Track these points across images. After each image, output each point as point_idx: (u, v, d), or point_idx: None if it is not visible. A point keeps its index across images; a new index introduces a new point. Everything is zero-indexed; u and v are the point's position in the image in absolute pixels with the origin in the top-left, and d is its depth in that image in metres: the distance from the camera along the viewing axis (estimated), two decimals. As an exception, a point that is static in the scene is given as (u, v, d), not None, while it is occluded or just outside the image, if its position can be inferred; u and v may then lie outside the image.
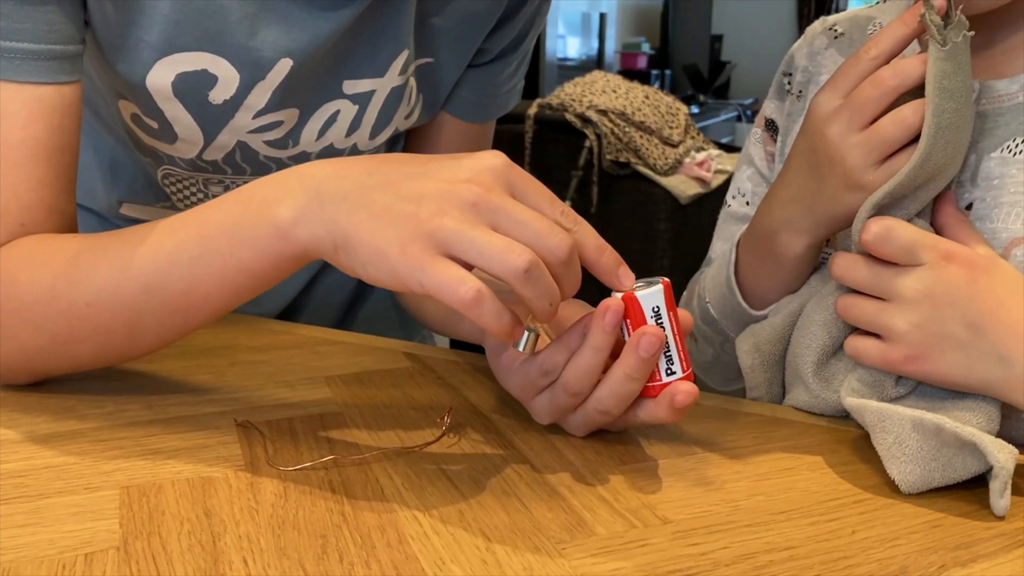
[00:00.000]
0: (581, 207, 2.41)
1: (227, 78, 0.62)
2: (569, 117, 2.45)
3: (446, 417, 0.55)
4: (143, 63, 0.61)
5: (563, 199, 2.30)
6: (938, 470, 0.47)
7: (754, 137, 0.75)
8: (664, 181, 2.40)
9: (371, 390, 0.61)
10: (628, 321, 0.49)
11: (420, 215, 0.44)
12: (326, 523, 0.44)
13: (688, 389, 0.48)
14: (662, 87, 4.61)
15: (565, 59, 3.85)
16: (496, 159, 0.47)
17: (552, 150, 2.47)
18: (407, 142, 0.80)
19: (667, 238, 2.41)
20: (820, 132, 0.55)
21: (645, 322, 0.48)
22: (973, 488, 0.48)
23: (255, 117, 0.65)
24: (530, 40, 0.77)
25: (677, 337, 0.49)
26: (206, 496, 0.47)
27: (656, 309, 0.48)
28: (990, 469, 0.46)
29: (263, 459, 0.50)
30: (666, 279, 0.49)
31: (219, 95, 0.63)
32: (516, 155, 2.45)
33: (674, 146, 2.51)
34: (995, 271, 0.51)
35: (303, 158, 0.69)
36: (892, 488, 0.49)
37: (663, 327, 0.48)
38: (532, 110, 2.50)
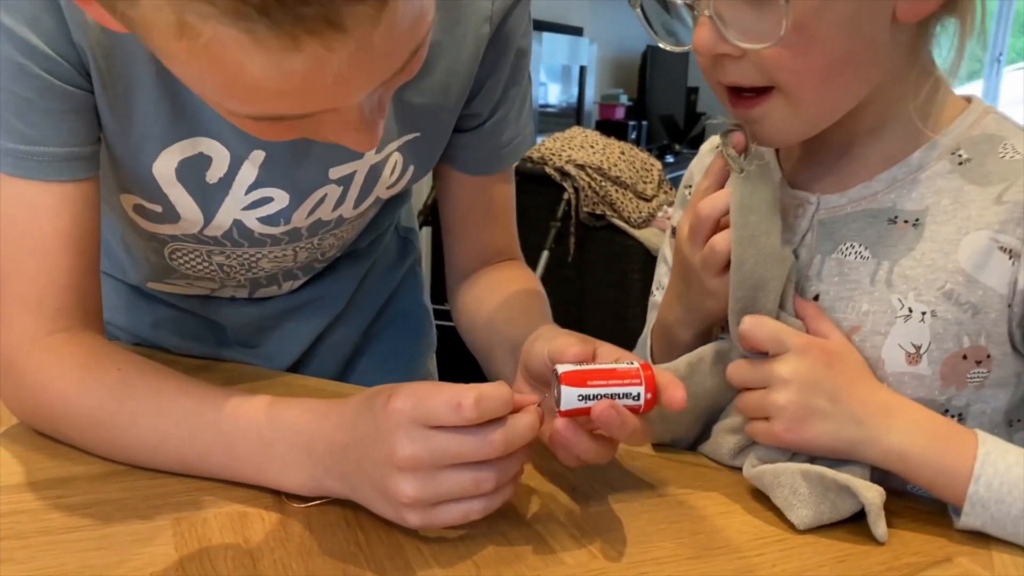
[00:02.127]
0: (559, 256, 2.52)
1: (219, 156, 0.69)
2: (549, 170, 2.57)
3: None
4: (149, 155, 0.68)
5: (542, 248, 2.42)
6: (827, 511, 0.59)
7: (667, 240, 0.86)
8: (638, 233, 2.52)
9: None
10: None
11: (396, 503, 0.54)
12: (345, 551, 0.54)
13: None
14: (639, 137, 4.75)
15: (546, 105, 4.00)
16: (394, 422, 0.53)
17: (532, 201, 2.59)
18: (440, 206, 0.87)
19: (640, 288, 2.53)
20: (679, 250, 0.69)
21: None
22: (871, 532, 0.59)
23: (247, 193, 0.71)
24: (518, 89, 0.81)
25: (614, 381, 0.56)
26: (244, 527, 0.56)
27: (580, 397, 0.56)
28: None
29: (283, 497, 0.60)
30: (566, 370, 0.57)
31: (215, 174, 0.70)
32: (497, 205, 2.56)
33: (648, 200, 2.64)
34: (846, 356, 0.63)
35: (295, 232, 0.78)
36: (810, 529, 0.59)
37: (595, 397, 0.56)
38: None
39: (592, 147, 2.66)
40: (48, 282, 0.65)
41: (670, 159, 5.04)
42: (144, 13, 0.42)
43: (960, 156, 0.65)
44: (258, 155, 0.70)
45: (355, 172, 0.75)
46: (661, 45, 0.66)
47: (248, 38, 0.40)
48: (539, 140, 2.77)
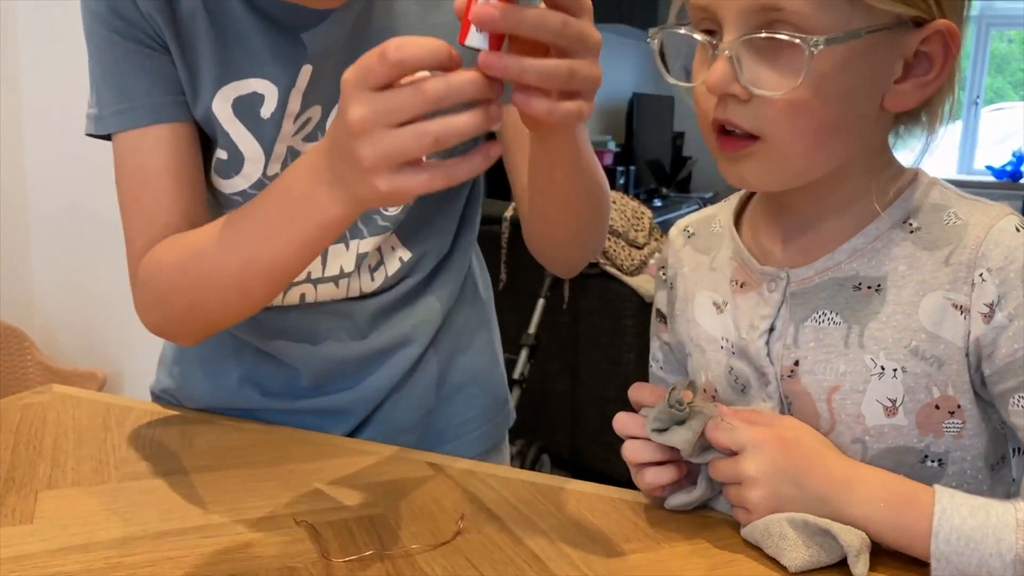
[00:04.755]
0: (554, 303, 2.59)
1: (269, 93, 0.81)
2: (542, 220, 2.65)
3: (459, 521, 0.71)
4: (208, 95, 0.81)
5: (538, 296, 2.49)
6: (817, 553, 0.65)
7: (654, 319, 0.90)
8: (630, 281, 2.59)
9: (403, 493, 0.77)
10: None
11: (363, 172, 0.58)
12: (389, 602, 0.60)
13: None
14: (627, 182, 4.85)
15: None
16: (345, 95, 0.58)
17: (527, 251, 2.66)
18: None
19: (634, 333, 2.59)
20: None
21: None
22: None
23: (294, 121, 0.82)
24: None
25: None
26: (295, 582, 0.62)
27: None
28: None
29: (327, 552, 0.65)
30: None
31: (267, 110, 0.81)
32: (493, 254, 2.63)
33: (639, 248, 2.71)
34: (801, 437, 0.69)
35: None
36: (805, 573, 0.65)
37: None
38: (508, 212, 2.69)
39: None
40: (155, 204, 0.79)
41: (658, 203, 5.15)
42: None
43: (911, 225, 0.71)
44: (303, 80, 0.80)
45: None
46: (669, 80, 0.72)
47: None
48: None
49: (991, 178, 5.62)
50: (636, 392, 0.74)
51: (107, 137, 0.82)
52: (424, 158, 0.58)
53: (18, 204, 2.32)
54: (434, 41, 0.56)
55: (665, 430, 0.70)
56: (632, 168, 4.93)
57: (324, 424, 0.91)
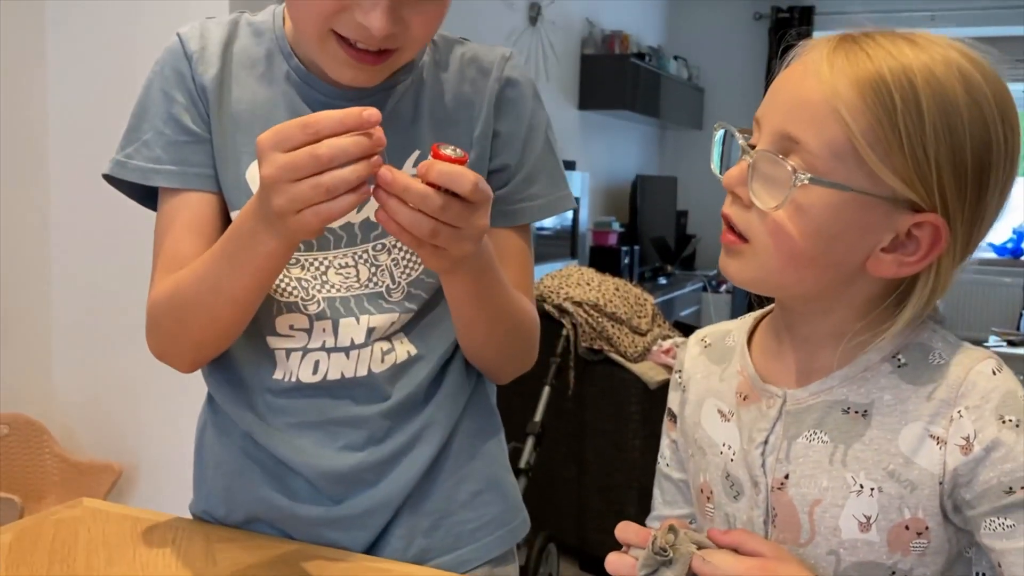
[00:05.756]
0: (560, 390, 2.64)
1: None
2: (548, 308, 2.72)
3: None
4: (243, 164, 0.92)
5: (543, 384, 2.54)
6: None
7: (666, 420, 0.96)
8: (634, 367, 2.65)
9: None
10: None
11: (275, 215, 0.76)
12: None
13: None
14: (632, 261, 4.93)
15: (541, 228, 4.17)
16: (260, 155, 0.75)
17: (533, 337, 2.72)
18: None
19: (638, 420, 2.63)
20: None
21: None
22: None
23: None
24: (534, 155, 0.98)
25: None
26: None
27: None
28: None
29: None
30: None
31: None
32: (500, 342, 2.69)
33: (643, 334, 2.77)
34: (786, 563, 0.74)
35: (347, 227, 0.93)
36: None
37: None
38: (514, 301, 2.77)
39: (588, 284, 2.81)
40: (174, 253, 0.91)
41: (663, 281, 5.23)
42: None
43: (899, 360, 0.78)
44: None
45: None
46: (712, 164, 0.81)
47: None
48: (538, 277, 2.93)
49: (992, 255, 5.69)
50: (623, 532, 0.79)
51: (120, 185, 0.95)
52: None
53: (42, 301, 2.41)
54: (348, 111, 0.73)
55: (654, 572, 0.75)
56: (636, 247, 5.02)
57: (348, 532, 0.95)
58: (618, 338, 2.70)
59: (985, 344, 4.68)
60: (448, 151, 0.75)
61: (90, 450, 2.39)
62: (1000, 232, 5.69)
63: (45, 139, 2.40)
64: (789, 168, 0.72)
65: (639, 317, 2.81)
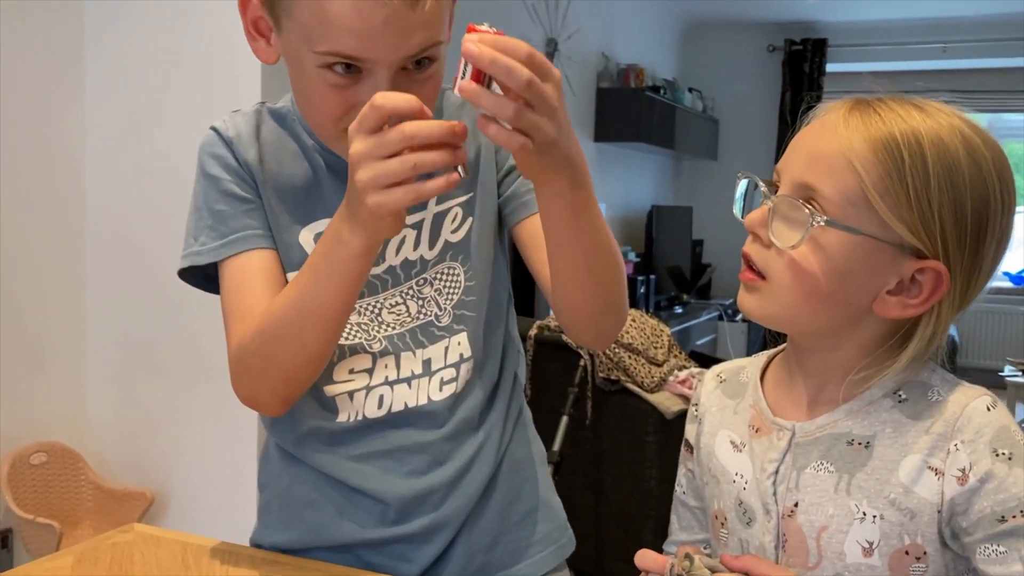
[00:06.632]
0: (577, 420, 2.69)
1: None
2: (565, 338, 2.77)
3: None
4: (296, 231, 1.00)
5: (561, 414, 2.59)
6: None
7: (683, 450, 1.02)
8: (651, 397, 2.70)
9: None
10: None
11: (359, 194, 0.78)
12: None
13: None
14: (648, 290, 4.98)
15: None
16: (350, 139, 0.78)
17: (550, 368, 2.78)
18: (531, 261, 1.03)
19: (655, 450, 2.68)
20: None
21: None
22: None
23: None
24: None
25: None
26: None
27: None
28: None
29: None
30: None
31: None
32: (519, 372, 2.74)
33: (659, 365, 2.82)
34: None
35: (393, 272, 1.01)
36: None
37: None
38: (532, 331, 2.82)
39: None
40: (249, 304, 0.96)
41: (679, 310, 5.27)
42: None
43: (900, 396, 0.84)
44: None
45: (423, 219, 1.01)
46: (734, 208, 0.88)
47: None
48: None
49: (1008, 283, 5.71)
50: (641, 560, 0.85)
51: (190, 278, 1.00)
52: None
53: (77, 333, 2.49)
54: (410, 96, 0.77)
55: None
56: (652, 277, 5.06)
57: (417, 548, 1.02)
58: (635, 368, 2.75)
59: (1000, 373, 4.69)
60: (485, 26, 0.74)
61: (121, 477, 2.45)
62: (1015, 260, 5.71)
63: (82, 166, 2.48)
64: (807, 211, 0.79)
65: (655, 348, 2.86)
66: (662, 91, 5.35)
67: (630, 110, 4.99)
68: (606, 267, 0.91)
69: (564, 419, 2.60)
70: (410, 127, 0.75)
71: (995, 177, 0.80)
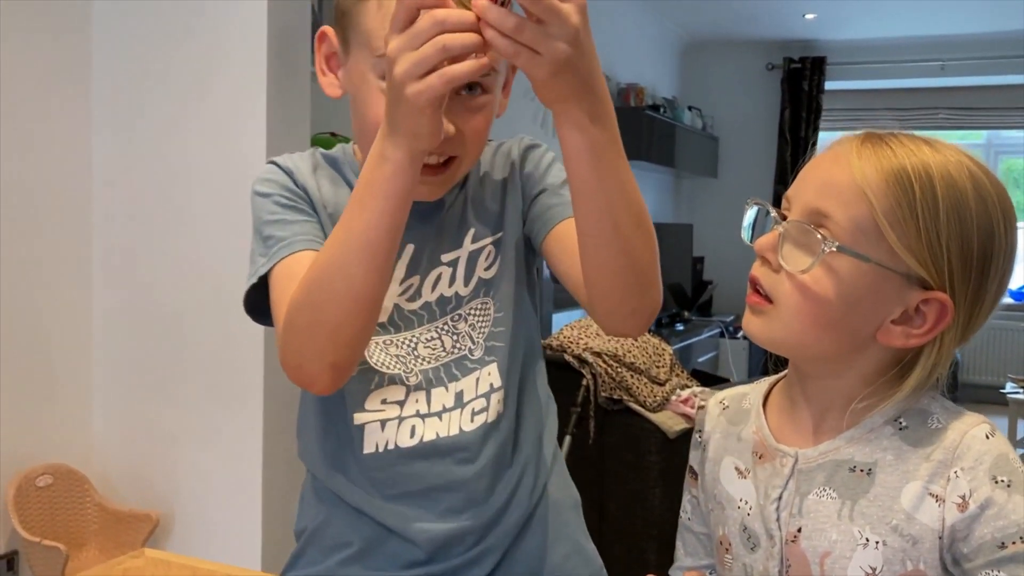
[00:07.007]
0: (580, 439, 2.70)
1: None
2: (568, 358, 2.78)
3: None
4: None
5: (564, 434, 2.60)
6: None
7: (688, 476, 1.03)
8: (653, 417, 2.71)
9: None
10: None
11: (399, 86, 0.77)
12: None
13: None
14: (649, 308, 4.97)
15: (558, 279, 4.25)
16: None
17: (553, 387, 2.77)
18: (564, 271, 1.02)
19: (658, 469, 2.68)
20: None
21: None
22: None
23: (400, 284, 1.01)
24: (556, 171, 1.06)
25: None
26: None
27: None
28: None
29: None
30: None
31: None
32: (522, 392, 2.75)
33: (661, 384, 2.83)
34: None
35: (429, 308, 1.02)
36: None
37: None
38: (536, 351, 2.83)
39: (607, 335, 2.88)
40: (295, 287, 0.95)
41: (680, 327, 5.28)
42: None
43: (900, 423, 0.85)
44: (406, 255, 1.02)
45: (458, 257, 1.04)
46: (742, 233, 0.89)
47: None
48: (557, 328, 3.00)
49: (1009, 300, 5.71)
50: None
51: (253, 311, 1.01)
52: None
53: (84, 355, 2.50)
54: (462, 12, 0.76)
55: None
56: (653, 295, 5.06)
57: None
58: (637, 388, 2.76)
59: (1001, 390, 4.70)
60: None
61: (127, 499, 2.46)
62: (1016, 278, 5.72)
63: (88, 189, 2.50)
64: (819, 236, 0.81)
65: (657, 367, 2.87)
66: (662, 110, 5.37)
67: (630, 129, 5.01)
68: (634, 227, 0.85)
69: (567, 439, 2.61)
70: (440, 12, 0.75)
71: (1000, 215, 0.82)
